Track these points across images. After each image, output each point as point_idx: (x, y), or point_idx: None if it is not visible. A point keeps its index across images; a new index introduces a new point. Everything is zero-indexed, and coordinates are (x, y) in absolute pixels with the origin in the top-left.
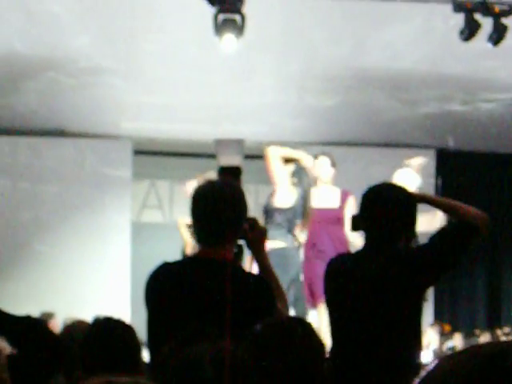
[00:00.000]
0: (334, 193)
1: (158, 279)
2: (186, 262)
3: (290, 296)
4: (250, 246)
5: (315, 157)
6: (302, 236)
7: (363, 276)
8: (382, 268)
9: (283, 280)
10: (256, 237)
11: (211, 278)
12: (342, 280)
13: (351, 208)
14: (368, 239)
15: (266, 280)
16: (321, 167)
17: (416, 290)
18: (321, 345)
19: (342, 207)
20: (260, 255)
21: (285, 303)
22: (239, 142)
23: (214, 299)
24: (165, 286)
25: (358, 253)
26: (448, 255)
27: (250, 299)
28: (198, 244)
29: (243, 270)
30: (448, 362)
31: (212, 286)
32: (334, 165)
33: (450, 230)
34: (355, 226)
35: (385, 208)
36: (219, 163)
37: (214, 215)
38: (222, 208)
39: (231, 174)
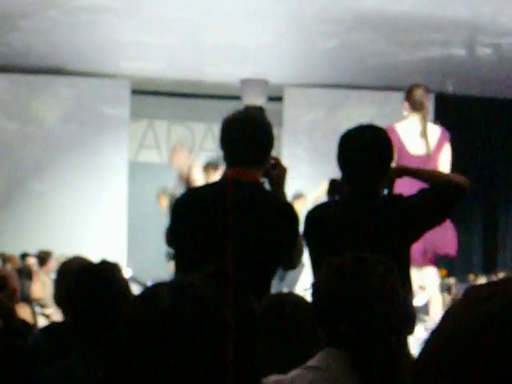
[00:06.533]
0: (431, 133)
1: (186, 202)
2: (218, 182)
3: None
4: (272, 184)
5: None
6: None
7: (350, 224)
8: (368, 217)
9: None
10: (279, 175)
11: (242, 197)
12: (324, 230)
13: (446, 156)
14: (349, 184)
15: (294, 209)
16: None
17: (402, 242)
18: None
19: (437, 154)
20: (282, 193)
21: (299, 249)
22: (264, 83)
23: (243, 218)
24: (194, 208)
25: (341, 201)
26: (433, 214)
27: (279, 222)
28: (229, 167)
29: (275, 194)
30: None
31: (243, 206)
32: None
33: (434, 193)
34: (331, 191)
35: (360, 148)
36: (244, 103)
37: (251, 136)
38: (256, 129)
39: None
